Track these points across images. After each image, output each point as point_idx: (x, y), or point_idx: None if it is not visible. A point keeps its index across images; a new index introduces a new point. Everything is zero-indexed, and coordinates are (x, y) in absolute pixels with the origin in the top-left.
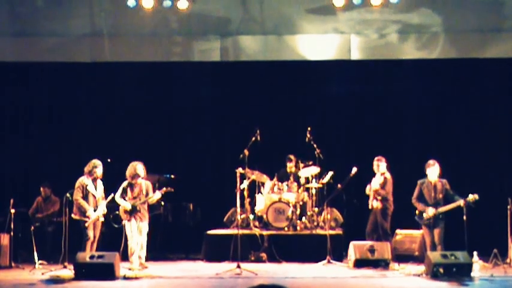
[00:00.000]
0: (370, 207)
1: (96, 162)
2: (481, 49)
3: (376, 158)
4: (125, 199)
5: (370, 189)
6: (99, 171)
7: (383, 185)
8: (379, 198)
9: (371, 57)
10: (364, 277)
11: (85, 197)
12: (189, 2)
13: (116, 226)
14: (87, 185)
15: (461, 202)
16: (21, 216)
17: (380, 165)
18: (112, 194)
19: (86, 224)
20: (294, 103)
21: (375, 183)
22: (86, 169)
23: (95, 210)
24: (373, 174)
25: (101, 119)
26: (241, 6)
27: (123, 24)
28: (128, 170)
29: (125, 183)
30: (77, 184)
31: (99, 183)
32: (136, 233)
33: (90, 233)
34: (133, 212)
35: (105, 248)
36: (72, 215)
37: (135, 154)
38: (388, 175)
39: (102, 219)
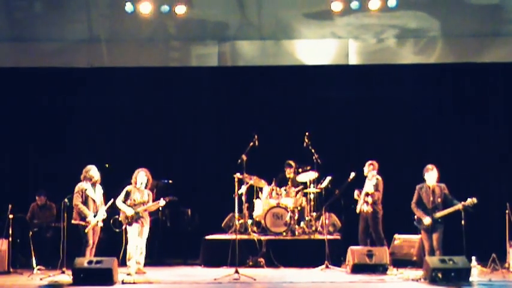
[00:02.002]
0: (358, 211)
1: (88, 166)
2: (478, 54)
3: (368, 162)
4: (126, 203)
5: (358, 194)
6: (93, 173)
7: (376, 187)
8: (369, 202)
9: (369, 61)
10: (362, 282)
11: (85, 201)
12: (186, 7)
13: (117, 230)
14: (86, 190)
15: (459, 206)
16: (19, 222)
17: (372, 171)
18: (112, 200)
19: (86, 230)
20: (291, 108)
21: (369, 185)
22: (82, 175)
23: (95, 216)
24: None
25: (99, 125)
26: (239, 11)
27: (120, 29)
28: (133, 176)
29: (128, 187)
30: (76, 189)
31: (98, 188)
32: (137, 237)
33: (90, 239)
34: (135, 218)
35: (103, 253)
36: (72, 220)
37: (133, 159)
38: (379, 178)
39: (101, 224)
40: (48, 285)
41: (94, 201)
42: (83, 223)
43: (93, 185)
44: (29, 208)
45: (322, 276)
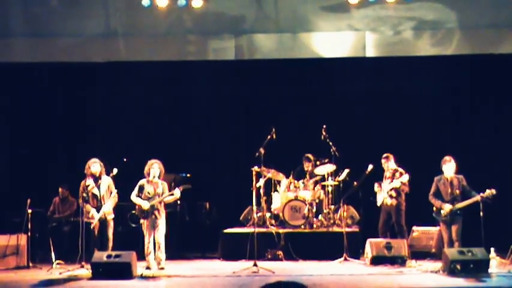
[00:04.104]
0: (379, 204)
1: (90, 160)
2: (496, 45)
3: (383, 156)
4: (140, 197)
5: (379, 187)
6: (93, 169)
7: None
8: (394, 195)
9: (386, 54)
10: (381, 274)
11: (87, 197)
12: (203, 1)
13: (134, 226)
14: (88, 186)
15: (478, 198)
16: (38, 216)
17: (389, 163)
18: (116, 191)
19: (92, 226)
20: (309, 101)
21: (397, 182)
22: (85, 170)
23: (98, 211)
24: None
25: (116, 119)
26: (256, 4)
27: (137, 23)
28: (145, 168)
29: (141, 181)
30: (80, 187)
31: (104, 180)
32: (152, 230)
33: (97, 234)
34: (150, 211)
35: (122, 247)
36: (84, 218)
37: (150, 153)
38: (401, 170)
39: (111, 216)
40: (67, 279)
41: (97, 196)
42: (89, 220)
43: (98, 178)
44: (47, 203)
45: (341, 269)
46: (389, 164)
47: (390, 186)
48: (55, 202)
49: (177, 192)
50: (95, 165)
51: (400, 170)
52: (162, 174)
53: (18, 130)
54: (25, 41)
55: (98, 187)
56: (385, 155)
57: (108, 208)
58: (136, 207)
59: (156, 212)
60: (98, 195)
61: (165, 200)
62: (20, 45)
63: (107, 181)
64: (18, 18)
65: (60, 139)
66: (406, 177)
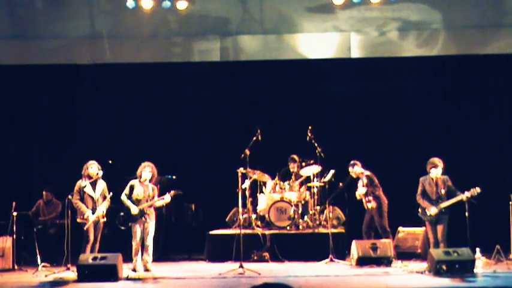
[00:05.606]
0: (366, 208)
1: (89, 162)
2: (481, 45)
3: (349, 164)
4: (130, 197)
5: (358, 194)
6: (91, 170)
7: (368, 185)
8: (369, 198)
9: (371, 55)
10: (367, 275)
11: (82, 199)
12: (188, 3)
13: (123, 228)
14: (84, 187)
15: (462, 196)
16: (23, 219)
17: (355, 169)
18: (111, 193)
19: (85, 227)
20: (294, 102)
21: (360, 188)
22: (82, 171)
23: (93, 212)
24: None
25: (102, 121)
26: (241, 6)
27: (122, 25)
28: (138, 169)
29: (132, 182)
30: (75, 187)
31: (100, 183)
32: (141, 233)
33: (91, 236)
34: (140, 214)
35: (109, 249)
36: (77, 219)
37: (136, 155)
38: (367, 173)
39: (103, 219)
40: (53, 282)
41: (92, 197)
42: (83, 220)
43: (94, 181)
44: (33, 206)
45: (327, 270)
46: (355, 170)
47: (361, 193)
48: (39, 205)
49: (167, 198)
50: (93, 167)
51: (366, 173)
52: (154, 178)
53: (4, 132)
54: (10, 43)
55: (94, 189)
56: (352, 162)
57: (102, 210)
58: (125, 207)
59: (146, 216)
60: (94, 197)
61: (155, 205)
62: (5, 48)
63: (102, 184)
64: (3, 20)
65: (45, 141)
66: (361, 190)
